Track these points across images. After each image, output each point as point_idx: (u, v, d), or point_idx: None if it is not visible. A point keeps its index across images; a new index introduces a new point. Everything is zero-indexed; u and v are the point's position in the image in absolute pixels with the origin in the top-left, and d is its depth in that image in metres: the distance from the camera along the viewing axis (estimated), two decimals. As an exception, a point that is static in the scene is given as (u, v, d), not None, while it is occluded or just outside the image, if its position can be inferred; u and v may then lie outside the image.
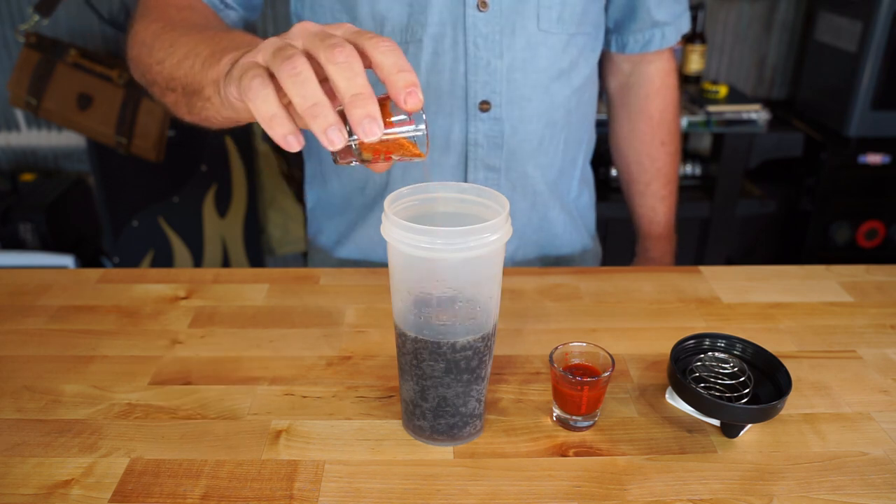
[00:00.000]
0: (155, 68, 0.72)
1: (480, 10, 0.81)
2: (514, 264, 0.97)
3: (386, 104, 0.50)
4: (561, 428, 0.62)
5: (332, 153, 0.52)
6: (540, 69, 0.86)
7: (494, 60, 0.84)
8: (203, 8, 0.83)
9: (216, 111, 0.62)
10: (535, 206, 0.95)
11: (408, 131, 0.51)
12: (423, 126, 0.51)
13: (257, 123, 0.51)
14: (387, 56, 0.48)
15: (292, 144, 0.48)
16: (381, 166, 0.54)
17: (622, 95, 1.06)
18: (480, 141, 0.87)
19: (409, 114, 0.50)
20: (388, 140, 0.51)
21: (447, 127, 0.87)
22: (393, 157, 0.52)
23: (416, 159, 0.53)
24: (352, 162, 0.53)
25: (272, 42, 0.50)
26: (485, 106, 0.86)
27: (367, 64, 0.49)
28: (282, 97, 0.49)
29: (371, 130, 0.47)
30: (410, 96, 0.48)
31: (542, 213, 0.96)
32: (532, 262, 0.99)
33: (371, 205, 0.94)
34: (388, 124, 0.50)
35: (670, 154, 1.07)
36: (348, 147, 0.51)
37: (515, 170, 0.91)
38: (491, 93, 0.85)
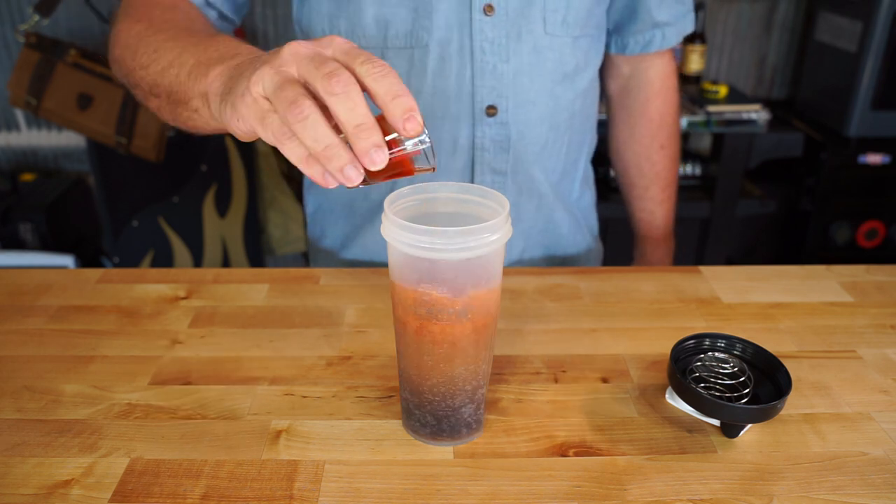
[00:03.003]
0: (138, 73, 0.70)
1: (487, 15, 0.81)
2: (521, 265, 0.97)
3: (384, 121, 0.49)
4: (561, 428, 0.62)
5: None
6: (545, 72, 0.86)
7: (501, 65, 0.84)
8: (188, 8, 0.81)
9: (205, 122, 0.61)
10: (540, 208, 0.95)
11: (413, 145, 0.50)
12: (426, 138, 0.50)
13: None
14: (380, 83, 0.47)
15: (330, 183, 0.48)
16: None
17: (622, 98, 1.06)
18: (487, 145, 0.87)
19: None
20: (393, 159, 0.49)
21: (454, 132, 0.86)
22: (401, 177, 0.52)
23: (424, 172, 0.52)
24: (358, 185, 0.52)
25: (268, 74, 0.48)
26: (491, 110, 0.85)
27: (362, 87, 0.48)
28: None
29: (378, 159, 0.46)
30: (409, 122, 0.47)
31: (547, 214, 0.96)
32: (538, 263, 0.99)
33: (376, 208, 0.93)
34: (391, 143, 0.49)
35: (670, 158, 1.06)
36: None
37: (521, 173, 0.90)
38: (497, 97, 0.85)
